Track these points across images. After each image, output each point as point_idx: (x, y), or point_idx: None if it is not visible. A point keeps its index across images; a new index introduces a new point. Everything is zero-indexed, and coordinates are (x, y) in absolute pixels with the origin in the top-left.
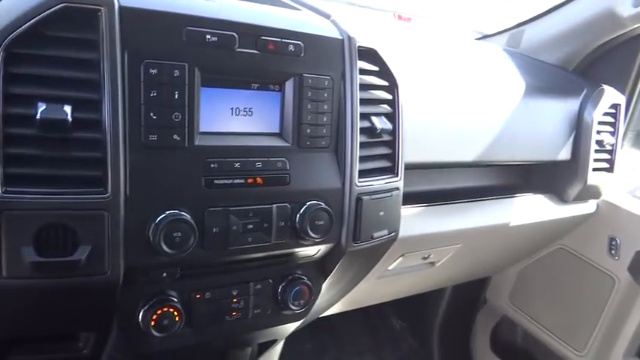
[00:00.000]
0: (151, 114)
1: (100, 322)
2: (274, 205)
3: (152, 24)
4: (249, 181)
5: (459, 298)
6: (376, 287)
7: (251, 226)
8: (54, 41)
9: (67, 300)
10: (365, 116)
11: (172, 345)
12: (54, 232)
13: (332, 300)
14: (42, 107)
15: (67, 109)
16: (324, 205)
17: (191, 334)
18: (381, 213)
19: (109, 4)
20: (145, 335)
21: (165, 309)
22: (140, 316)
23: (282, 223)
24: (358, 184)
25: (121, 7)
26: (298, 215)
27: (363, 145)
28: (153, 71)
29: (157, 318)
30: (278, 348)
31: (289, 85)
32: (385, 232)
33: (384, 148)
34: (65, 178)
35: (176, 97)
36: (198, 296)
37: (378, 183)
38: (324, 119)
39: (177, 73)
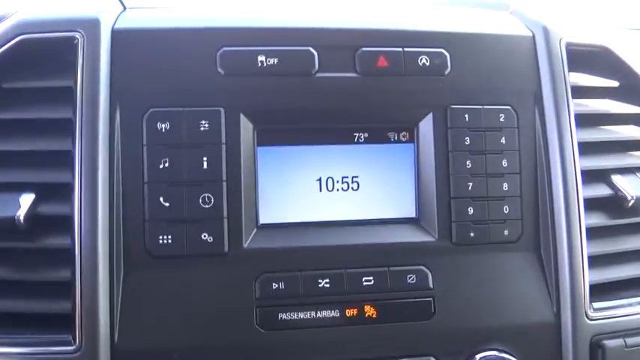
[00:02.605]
0: (161, 199)
1: None
2: None
3: (161, 49)
4: (350, 312)
5: None
6: None
7: None
8: (9, 96)
9: None
10: (597, 175)
11: None
12: None
13: None
14: None
15: (25, 199)
16: None
17: None
18: None
19: (89, 28)
20: None
21: None
22: None
23: None
24: (592, 312)
25: (114, 32)
26: None
27: (597, 231)
28: (162, 126)
29: None
30: None
31: (426, 128)
32: None
33: None
34: (13, 317)
35: (205, 166)
36: None
37: (638, 308)
38: (505, 187)
39: (205, 125)
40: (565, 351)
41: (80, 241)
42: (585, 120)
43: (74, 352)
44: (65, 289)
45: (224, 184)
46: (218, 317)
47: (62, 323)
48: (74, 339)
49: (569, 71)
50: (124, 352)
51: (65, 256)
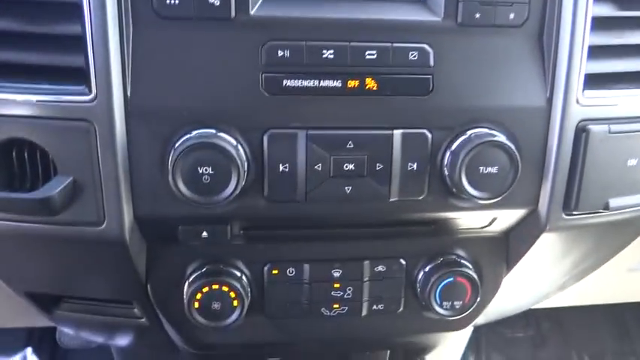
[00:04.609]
0: None
1: (131, 293)
2: (398, 131)
3: None
4: (351, 84)
5: None
6: (625, 282)
7: (351, 166)
8: None
9: (65, 255)
10: None
11: (232, 340)
12: (21, 152)
13: (540, 294)
14: None
15: None
16: (501, 138)
17: (260, 330)
18: (632, 161)
19: None
20: (187, 320)
21: (215, 286)
22: (185, 292)
23: (413, 166)
24: (583, 99)
25: None
26: (448, 153)
27: (599, 23)
28: None
29: (202, 299)
30: (452, 346)
31: None
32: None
33: None
34: (29, 67)
35: None
36: (274, 272)
37: (625, 100)
38: None
39: None
40: (551, 133)
41: None
42: None
43: (90, 101)
44: (77, 43)
45: None
46: (225, 80)
47: (76, 78)
48: (89, 89)
49: None
50: (136, 106)
51: (75, 11)
